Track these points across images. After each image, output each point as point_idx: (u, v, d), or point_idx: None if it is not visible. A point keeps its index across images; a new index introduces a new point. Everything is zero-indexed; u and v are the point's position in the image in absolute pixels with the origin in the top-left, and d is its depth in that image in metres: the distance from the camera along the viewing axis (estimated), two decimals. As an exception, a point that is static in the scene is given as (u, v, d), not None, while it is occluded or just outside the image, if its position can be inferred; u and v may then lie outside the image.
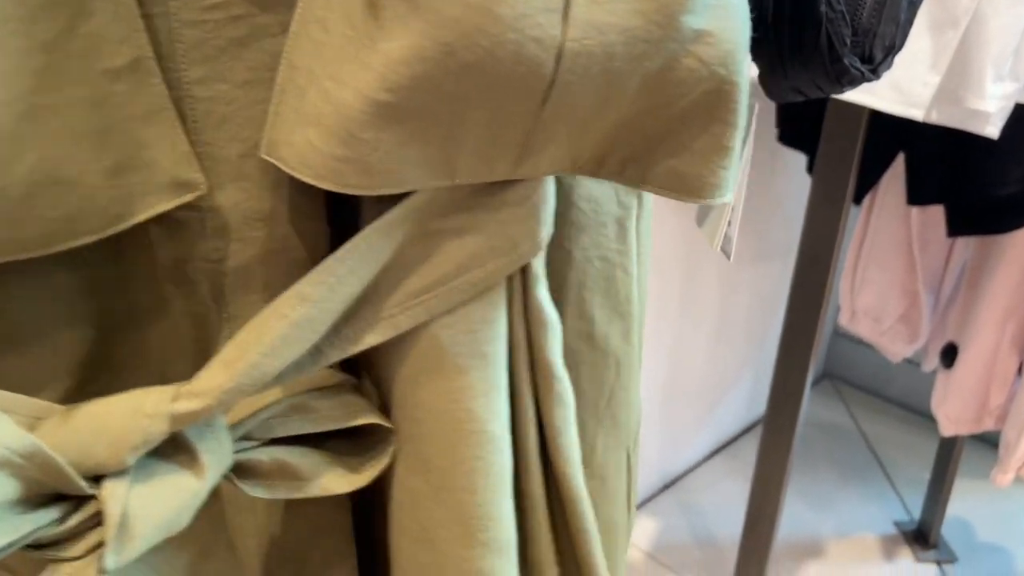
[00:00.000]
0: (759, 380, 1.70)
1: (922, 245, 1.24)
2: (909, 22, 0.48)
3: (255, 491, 0.35)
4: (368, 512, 0.43)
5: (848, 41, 0.45)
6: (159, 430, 0.30)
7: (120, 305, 0.34)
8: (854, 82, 0.47)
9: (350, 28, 0.27)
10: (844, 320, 1.38)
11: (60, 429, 0.29)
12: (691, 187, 0.32)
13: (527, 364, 0.39)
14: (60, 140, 0.27)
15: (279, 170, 0.30)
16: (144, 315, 0.34)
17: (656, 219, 1.38)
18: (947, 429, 1.22)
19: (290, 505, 0.40)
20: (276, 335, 0.30)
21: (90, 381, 0.33)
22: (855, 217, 1.36)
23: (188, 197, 0.30)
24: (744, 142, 0.53)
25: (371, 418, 0.37)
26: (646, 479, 1.47)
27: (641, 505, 1.47)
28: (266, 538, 0.40)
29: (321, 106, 0.28)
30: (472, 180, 0.31)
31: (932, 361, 1.33)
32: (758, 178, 1.45)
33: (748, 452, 1.62)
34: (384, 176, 0.29)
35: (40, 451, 0.28)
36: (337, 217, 0.36)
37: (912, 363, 1.76)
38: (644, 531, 1.40)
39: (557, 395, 0.39)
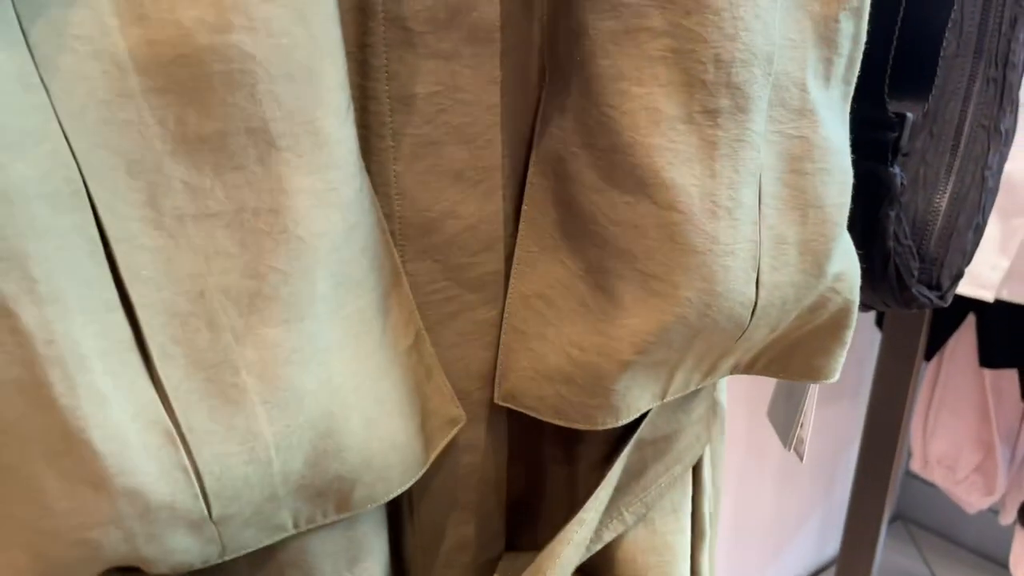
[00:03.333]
0: (828, 521, 1.66)
1: (997, 396, 1.22)
2: (975, 248, 0.51)
3: None
4: None
5: (916, 272, 0.48)
6: None
7: None
8: (922, 307, 0.49)
9: (579, 304, 0.34)
10: (917, 467, 1.36)
11: None
12: (819, 373, 0.41)
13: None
14: (395, 414, 0.32)
15: (480, 406, 0.37)
16: None
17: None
18: (1028, 591, 1.17)
19: None
20: (567, 559, 0.36)
21: None
22: (926, 364, 1.35)
23: (456, 430, 0.35)
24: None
25: None
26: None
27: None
28: None
29: (569, 369, 0.34)
30: (675, 396, 0.38)
31: (1010, 514, 1.29)
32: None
33: (817, 595, 1.57)
34: (626, 411, 0.36)
35: None
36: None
37: (991, 510, 1.70)
38: None
39: (708, 544, 0.49)
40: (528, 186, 0.35)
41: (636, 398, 0.36)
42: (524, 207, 0.35)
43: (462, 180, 0.32)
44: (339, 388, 0.29)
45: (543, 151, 0.34)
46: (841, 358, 0.42)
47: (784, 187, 0.34)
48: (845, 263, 0.38)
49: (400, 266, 0.32)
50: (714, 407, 0.51)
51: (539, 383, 0.35)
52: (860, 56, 0.36)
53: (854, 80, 0.37)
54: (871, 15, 0.38)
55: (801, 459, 0.55)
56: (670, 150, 0.31)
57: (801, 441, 0.56)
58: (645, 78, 0.30)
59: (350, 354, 0.29)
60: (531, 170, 0.34)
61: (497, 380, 0.36)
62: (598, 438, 0.41)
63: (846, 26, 0.34)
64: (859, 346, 1.55)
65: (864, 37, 0.36)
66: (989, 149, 0.49)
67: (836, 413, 1.57)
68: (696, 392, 0.43)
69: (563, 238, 0.34)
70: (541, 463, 0.43)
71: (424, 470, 0.34)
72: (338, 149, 0.27)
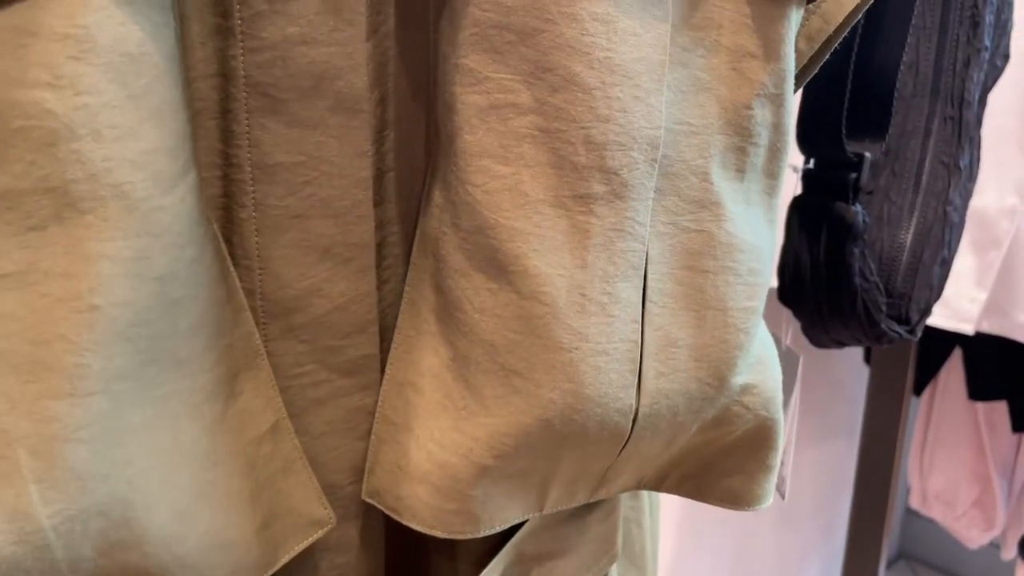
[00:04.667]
0: (828, 564, 1.65)
1: (990, 429, 1.22)
2: (943, 283, 0.51)
3: None
4: None
5: (884, 307, 0.48)
6: None
7: None
8: (893, 342, 0.50)
9: (444, 397, 0.31)
10: (915, 503, 1.35)
11: None
12: (740, 499, 0.37)
13: None
14: (223, 508, 0.29)
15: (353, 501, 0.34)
16: None
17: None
18: (1033, 627, 1.16)
19: None
20: None
21: None
22: (918, 400, 1.35)
23: (320, 533, 0.32)
24: (791, 391, 0.55)
25: None
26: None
27: None
28: None
29: (427, 467, 0.31)
30: (556, 508, 0.35)
31: (1011, 549, 1.28)
32: (818, 360, 1.46)
33: (822, 640, 1.54)
34: (488, 520, 0.32)
35: None
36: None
37: (993, 545, 1.68)
38: None
39: None
40: (411, 266, 0.32)
41: (500, 508, 0.33)
42: (406, 288, 0.33)
43: (330, 256, 0.30)
44: (140, 474, 0.26)
45: (423, 230, 0.32)
46: (766, 483, 0.38)
47: (677, 284, 0.31)
48: (758, 375, 0.35)
49: (260, 347, 0.30)
50: (639, 519, 0.47)
51: (400, 481, 0.32)
52: (786, 146, 0.33)
53: (781, 173, 0.34)
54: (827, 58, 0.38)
55: (783, 497, 0.55)
56: (535, 235, 0.29)
57: (782, 480, 0.56)
58: (511, 157, 0.28)
59: (163, 438, 0.27)
60: (414, 250, 0.32)
61: (366, 474, 0.33)
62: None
63: (761, 113, 0.31)
64: (849, 384, 1.54)
65: (790, 126, 0.33)
66: (950, 185, 0.50)
67: (831, 453, 1.57)
68: (592, 506, 0.38)
69: (437, 323, 0.32)
70: (424, 560, 0.39)
71: (267, 575, 0.31)
72: (157, 216, 0.25)
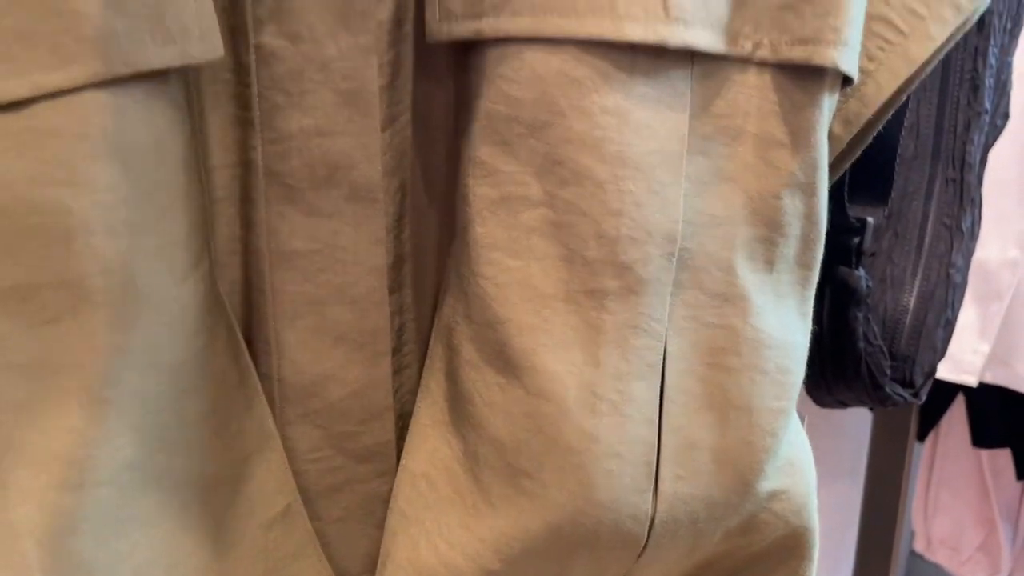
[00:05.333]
0: (835, 604, 1.63)
1: (995, 475, 1.21)
2: (946, 344, 0.51)
3: None
4: None
5: (888, 371, 0.48)
6: None
7: None
8: (897, 404, 0.50)
9: (455, 492, 0.30)
10: (920, 547, 1.34)
11: None
12: None
13: None
14: None
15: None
16: None
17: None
18: (1041, 678, 1.14)
19: None
20: None
21: None
22: (922, 445, 1.34)
23: None
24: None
25: None
26: None
27: None
28: None
29: (435, 565, 0.30)
30: None
31: (1018, 596, 1.26)
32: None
33: None
34: None
35: None
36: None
37: (998, 588, 1.66)
38: None
39: None
40: (428, 354, 0.32)
41: None
42: (423, 375, 0.32)
43: (345, 342, 0.30)
44: (145, 564, 0.27)
45: (439, 319, 0.32)
46: None
47: (698, 382, 0.30)
48: (787, 479, 0.33)
49: (273, 431, 0.30)
50: None
51: None
52: (819, 236, 0.32)
53: (815, 263, 0.32)
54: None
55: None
56: (544, 331, 0.28)
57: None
58: (520, 250, 0.28)
59: (169, 527, 0.27)
60: (432, 338, 0.32)
61: (379, 566, 0.32)
62: None
63: (791, 204, 0.30)
64: (853, 426, 1.54)
65: (823, 215, 0.31)
66: (952, 247, 0.50)
67: (836, 498, 1.56)
68: None
69: (451, 413, 0.31)
70: None
71: None
72: (169, 307, 0.26)
